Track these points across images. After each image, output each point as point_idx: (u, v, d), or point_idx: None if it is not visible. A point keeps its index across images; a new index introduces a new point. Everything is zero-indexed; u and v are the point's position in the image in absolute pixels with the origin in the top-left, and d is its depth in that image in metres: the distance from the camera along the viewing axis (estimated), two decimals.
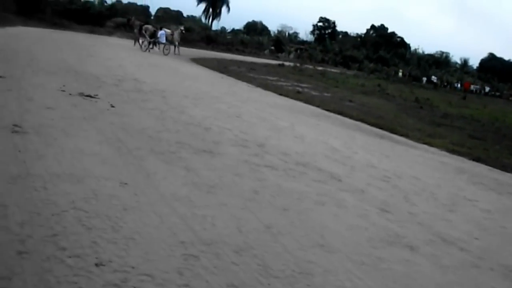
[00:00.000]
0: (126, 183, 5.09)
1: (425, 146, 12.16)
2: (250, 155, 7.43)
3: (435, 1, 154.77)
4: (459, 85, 71.15)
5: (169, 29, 38.38)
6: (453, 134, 15.54)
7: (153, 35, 34.23)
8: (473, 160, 11.38)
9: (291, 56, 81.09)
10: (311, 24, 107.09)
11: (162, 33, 34.58)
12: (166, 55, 32.56)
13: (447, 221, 6.07)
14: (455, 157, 11.45)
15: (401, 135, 13.29)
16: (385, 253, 4.60)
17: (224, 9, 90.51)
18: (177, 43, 36.58)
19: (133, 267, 3.44)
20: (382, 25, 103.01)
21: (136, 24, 36.10)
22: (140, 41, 34.47)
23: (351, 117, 15.26)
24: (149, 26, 35.45)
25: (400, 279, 4.15)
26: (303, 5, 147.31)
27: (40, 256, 3.36)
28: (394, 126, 14.56)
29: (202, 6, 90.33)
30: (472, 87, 70.35)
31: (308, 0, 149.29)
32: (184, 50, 37.71)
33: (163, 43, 34.18)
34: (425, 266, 4.53)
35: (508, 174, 10.38)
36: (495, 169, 10.72)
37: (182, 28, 39.47)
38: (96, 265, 3.38)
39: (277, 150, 8.17)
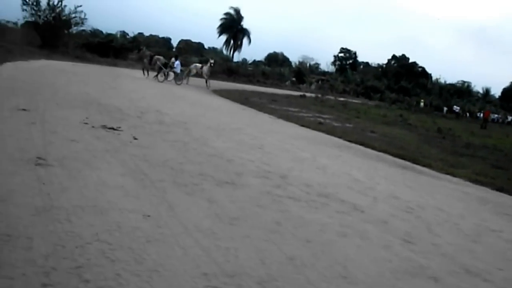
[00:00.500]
0: (149, 215, 5.12)
1: (448, 177, 12.05)
2: (272, 186, 7.44)
3: (455, 30, 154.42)
4: (481, 115, 70.60)
5: (199, 63, 38.62)
6: (476, 164, 15.41)
7: (166, 65, 34.39)
8: (497, 190, 11.29)
9: (313, 87, 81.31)
10: (332, 54, 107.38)
11: (177, 63, 34.76)
12: (179, 85, 32.77)
13: (471, 252, 6.00)
14: (478, 187, 11.36)
15: (424, 165, 13.20)
16: (409, 285, 4.56)
17: (245, 40, 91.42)
18: (206, 77, 36.73)
19: None
20: (403, 55, 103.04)
21: (146, 55, 36.23)
22: (159, 73, 34.49)
23: (373, 148, 15.20)
24: (161, 57, 35.69)
25: None
26: (324, 36, 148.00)
27: None
28: (416, 157, 14.48)
29: (223, 38, 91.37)
30: (493, 116, 69.79)
31: (329, 31, 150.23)
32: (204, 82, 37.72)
33: (177, 73, 34.36)
34: None
35: None
36: None
37: (212, 61, 39.36)
38: None
39: (300, 181, 8.17)
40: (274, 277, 4.18)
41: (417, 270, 4.97)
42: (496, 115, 73.36)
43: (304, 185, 7.90)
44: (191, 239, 4.67)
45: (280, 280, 4.13)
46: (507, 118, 75.04)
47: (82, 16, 50.79)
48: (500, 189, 11.35)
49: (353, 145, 15.42)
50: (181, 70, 34.92)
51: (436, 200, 8.80)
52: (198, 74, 36.54)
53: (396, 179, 10.40)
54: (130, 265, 3.91)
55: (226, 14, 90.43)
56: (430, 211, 7.76)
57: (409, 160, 13.67)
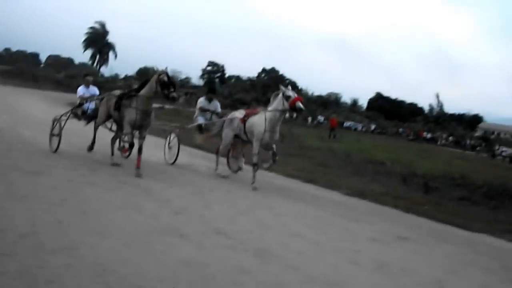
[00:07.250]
0: None
1: (265, 172, 12.39)
2: None
3: (322, 41, 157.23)
4: (347, 124, 73.37)
5: None
6: (301, 163, 16.48)
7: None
8: (306, 182, 12.60)
9: (181, 100, 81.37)
10: (201, 68, 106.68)
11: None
12: None
13: (231, 219, 7.19)
14: (290, 180, 12.66)
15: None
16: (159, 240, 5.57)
17: (111, 55, 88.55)
18: None
19: None
20: (273, 68, 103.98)
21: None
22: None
23: None
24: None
25: None
26: (195, 50, 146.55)
27: None
28: None
29: (89, 52, 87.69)
30: (348, 123, 73.01)
31: (199, 45, 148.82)
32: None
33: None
34: None
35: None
36: (321, 188, 12.09)
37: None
38: None
39: None
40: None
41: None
42: (351, 123, 76.41)
43: None
44: None
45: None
46: (369, 127, 78.34)
47: None
48: (309, 181, 12.65)
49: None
50: None
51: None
52: None
53: None
54: None
55: (91, 28, 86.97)
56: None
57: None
